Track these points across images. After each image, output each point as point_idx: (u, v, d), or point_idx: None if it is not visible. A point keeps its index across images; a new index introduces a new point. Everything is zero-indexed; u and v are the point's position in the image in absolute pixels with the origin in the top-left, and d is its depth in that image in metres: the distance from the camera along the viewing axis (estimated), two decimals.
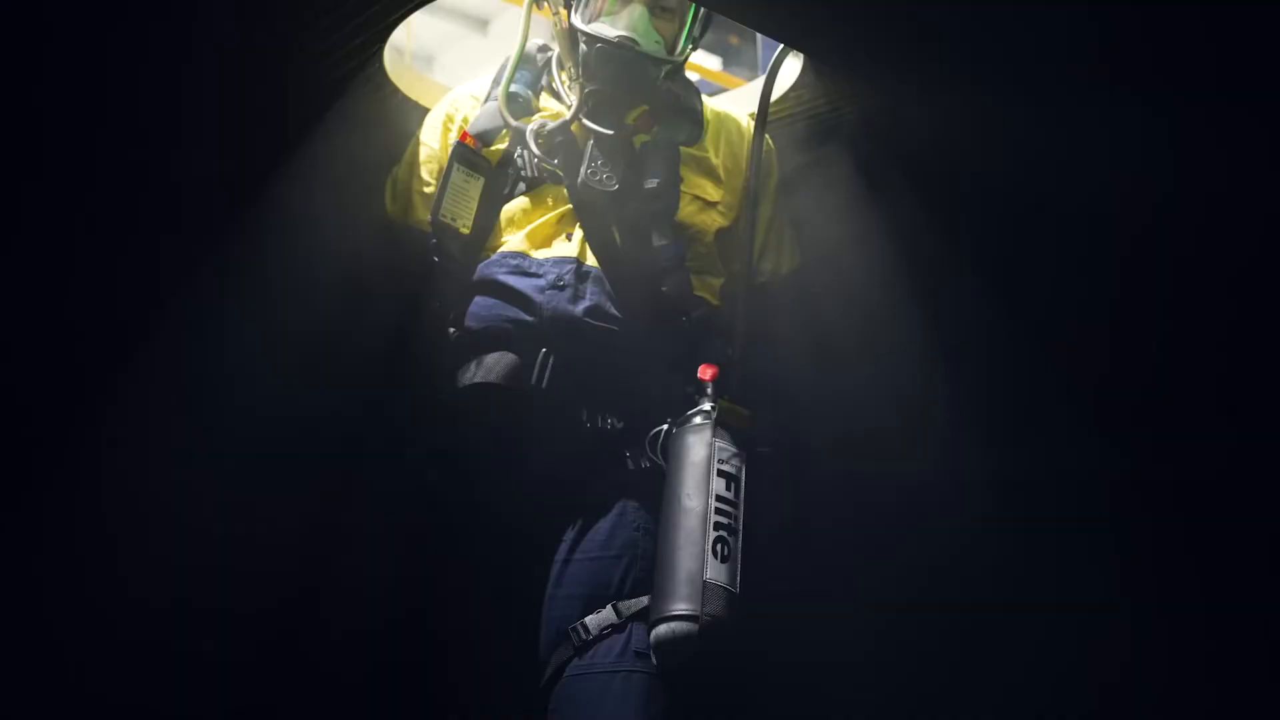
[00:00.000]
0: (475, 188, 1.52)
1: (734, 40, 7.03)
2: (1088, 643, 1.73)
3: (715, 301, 1.57)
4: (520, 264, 1.49)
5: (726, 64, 7.05)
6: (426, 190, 1.58)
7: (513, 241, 1.51)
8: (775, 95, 1.62)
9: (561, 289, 1.46)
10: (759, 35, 2.29)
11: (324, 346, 1.61)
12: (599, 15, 1.50)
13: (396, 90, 1.59)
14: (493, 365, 1.45)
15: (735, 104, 1.79)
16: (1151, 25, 1.20)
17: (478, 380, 1.45)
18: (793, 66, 1.62)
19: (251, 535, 1.58)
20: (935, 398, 1.80)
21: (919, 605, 1.79)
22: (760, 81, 1.64)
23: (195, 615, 1.56)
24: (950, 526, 1.76)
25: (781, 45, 1.53)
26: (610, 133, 1.50)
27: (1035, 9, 1.18)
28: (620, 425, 1.45)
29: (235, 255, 1.70)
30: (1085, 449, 1.81)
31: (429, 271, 1.54)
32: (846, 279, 1.78)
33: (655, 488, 1.38)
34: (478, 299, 1.51)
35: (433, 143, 1.61)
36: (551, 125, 1.51)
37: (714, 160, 1.62)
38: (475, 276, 1.51)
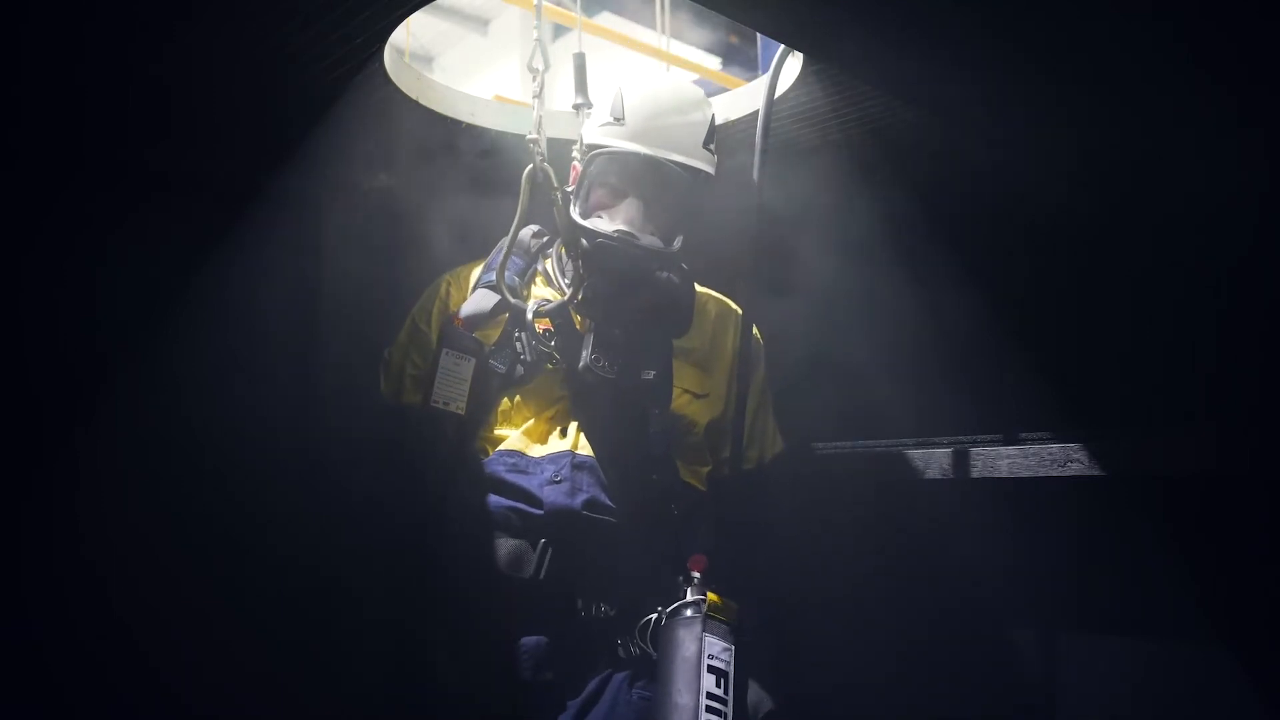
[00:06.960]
0: (467, 369, 1.54)
1: (734, 39, 7.01)
2: None
3: (702, 488, 1.61)
4: (517, 463, 1.51)
5: (726, 63, 7.01)
6: (414, 373, 1.61)
7: (511, 440, 1.53)
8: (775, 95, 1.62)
9: (559, 483, 1.48)
10: (759, 35, 2.29)
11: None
12: (596, 209, 1.55)
13: (397, 90, 1.58)
14: (494, 553, 1.48)
15: (736, 103, 1.78)
16: (1147, 22, 1.20)
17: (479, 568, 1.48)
18: (792, 66, 1.61)
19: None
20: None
21: None
22: (760, 81, 1.64)
23: None
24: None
25: (782, 46, 1.53)
26: (607, 322, 1.53)
27: (1035, 9, 1.18)
28: (612, 613, 1.48)
29: (235, 253, 1.70)
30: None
31: (428, 449, 1.56)
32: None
33: (646, 676, 1.42)
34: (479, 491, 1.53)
35: (423, 325, 1.64)
36: (551, 305, 1.55)
37: (701, 349, 1.65)
38: (477, 474, 1.53)
